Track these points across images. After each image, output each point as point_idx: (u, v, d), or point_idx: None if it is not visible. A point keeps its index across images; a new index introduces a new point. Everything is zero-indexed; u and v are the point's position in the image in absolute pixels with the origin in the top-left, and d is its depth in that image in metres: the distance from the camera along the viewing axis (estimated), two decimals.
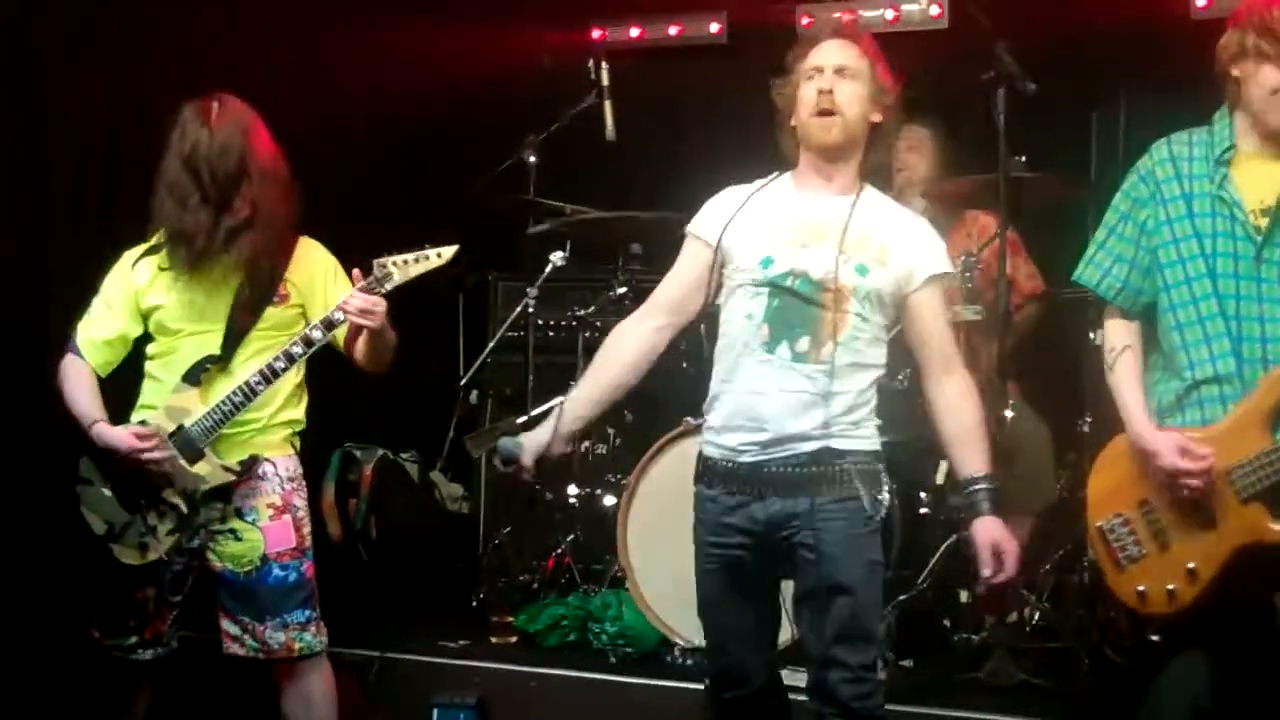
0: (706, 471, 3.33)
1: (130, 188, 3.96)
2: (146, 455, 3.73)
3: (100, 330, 3.87)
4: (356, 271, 3.77)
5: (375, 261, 3.74)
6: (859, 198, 3.29)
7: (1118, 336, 3.30)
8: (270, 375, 3.75)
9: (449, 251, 3.79)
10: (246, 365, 3.80)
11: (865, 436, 3.26)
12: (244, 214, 3.73)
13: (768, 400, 3.20)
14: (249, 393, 3.75)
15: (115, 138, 5.09)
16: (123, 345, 3.90)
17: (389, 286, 3.74)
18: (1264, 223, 3.08)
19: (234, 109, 3.78)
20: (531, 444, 3.36)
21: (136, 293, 3.85)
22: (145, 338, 3.90)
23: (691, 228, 3.43)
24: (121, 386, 3.92)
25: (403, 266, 3.75)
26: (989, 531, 3.20)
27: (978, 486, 3.22)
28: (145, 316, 3.87)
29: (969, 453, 3.26)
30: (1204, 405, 3.13)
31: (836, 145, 3.26)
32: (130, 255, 3.90)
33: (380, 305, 3.71)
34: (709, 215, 3.41)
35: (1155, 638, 3.27)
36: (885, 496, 3.25)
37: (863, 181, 3.34)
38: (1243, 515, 3.03)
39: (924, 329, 3.30)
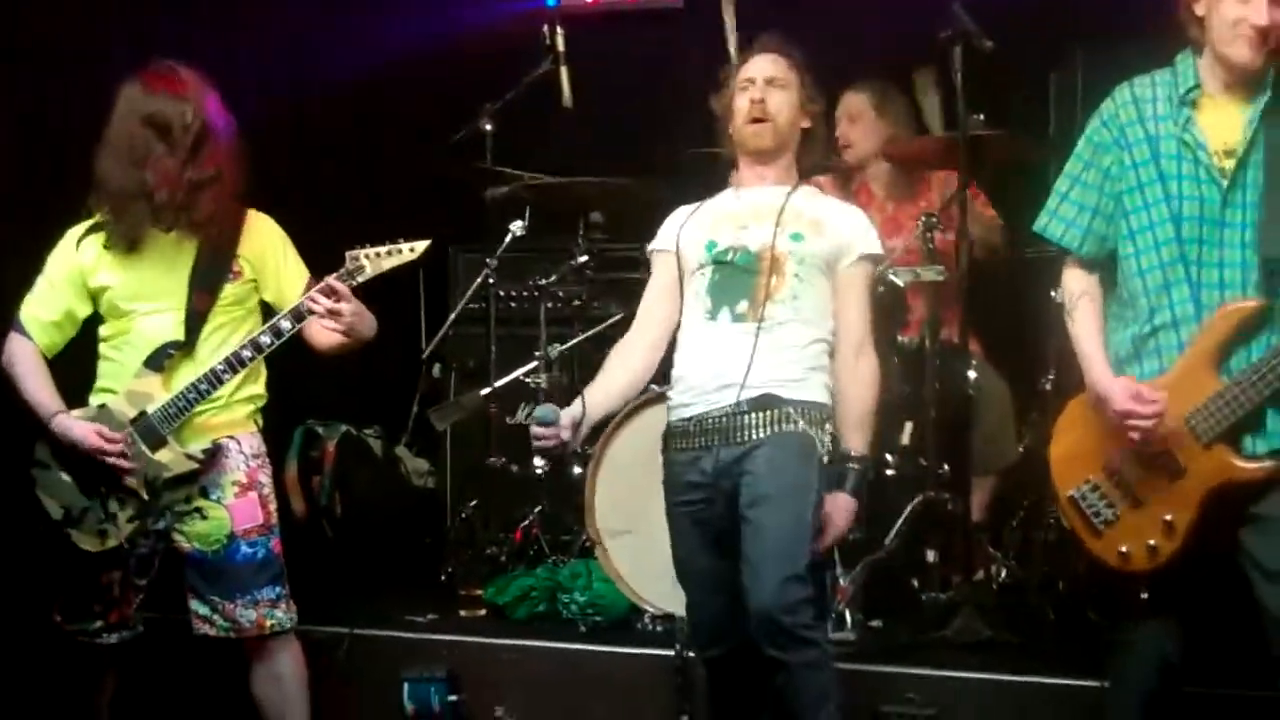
0: (665, 438, 3.55)
1: (79, 166, 3.93)
2: (107, 458, 3.70)
3: (45, 310, 3.83)
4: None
5: (347, 253, 3.73)
6: (796, 188, 3.56)
7: (1077, 284, 3.30)
8: (237, 364, 3.72)
9: (421, 246, 3.79)
10: (210, 345, 3.77)
11: (810, 388, 3.43)
12: (209, 170, 3.71)
13: (710, 357, 3.44)
14: (214, 381, 3.72)
15: (66, 116, 5.03)
16: (70, 325, 3.86)
17: (360, 279, 3.72)
18: (1228, 164, 3.07)
19: (188, 75, 3.77)
20: (568, 414, 3.46)
21: (82, 271, 3.80)
22: (96, 318, 3.85)
23: (652, 246, 3.73)
24: (77, 364, 3.87)
25: (375, 259, 3.73)
26: (834, 505, 3.40)
27: (851, 465, 3.43)
28: (94, 296, 3.82)
29: (856, 434, 3.46)
30: (1161, 353, 3.14)
31: (769, 149, 3.56)
32: (74, 233, 3.85)
33: (348, 306, 3.67)
34: (665, 230, 3.70)
35: (1145, 595, 3.24)
36: (827, 437, 3.42)
37: (800, 180, 3.60)
38: (1209, 458, 3.05)
39: (846, 306, 3.52)
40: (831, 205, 3.63)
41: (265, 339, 3.72)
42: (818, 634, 3.27)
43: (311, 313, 3.68)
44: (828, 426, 3.42)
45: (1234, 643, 3.34)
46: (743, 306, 3.42)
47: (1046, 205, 3.34)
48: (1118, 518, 3.17)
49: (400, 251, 3.76)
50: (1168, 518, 3.09)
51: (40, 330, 3.82)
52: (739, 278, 3.44)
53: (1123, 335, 3.21)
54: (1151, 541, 3.11)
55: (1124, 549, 3.16)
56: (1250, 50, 3.04)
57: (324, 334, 3.81)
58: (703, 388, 3.43)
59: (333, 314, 3.66)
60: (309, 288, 3.83)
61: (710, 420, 3.41)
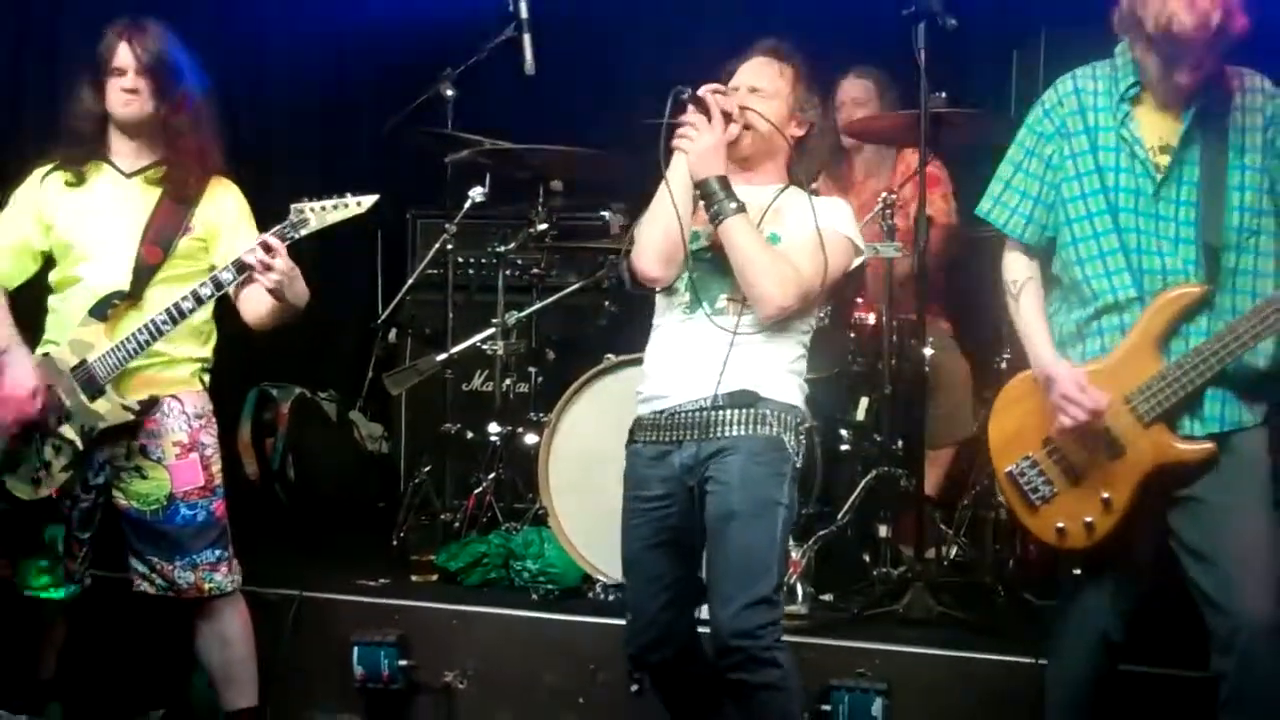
0: (633, 430, 3.45)
1: (35, 109, 3.91)
2: (25, 407, 3.67)
3: (8, 239, 3.81)
4: None
5: (292, 205, 3.67)
6: (784, 191, 3.45)
7: (1019, 269, 3.33)
8: (177, 315, 3.68)
9: (368, 200, 3.71)
10: (155, 298, 3.74)
11: (786, 390, 3.38)
12: (185, 119, 3.74)
13: (686, 349, 3.36)
14: (154, 331, 3.68)
15: (19, 64, 5.02)
16: (30, 259, 3.83)
17: (304, 232, 3.66)
18: (1163, 160, 3.12)
19: (161, 41, 3.76)
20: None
21: (42, 205, 3.79)
22: (49, 266, 3.83)
23: None
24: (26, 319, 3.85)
25: (319, 213, 3.66)
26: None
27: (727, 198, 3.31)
28: (48, 232, 3.80)
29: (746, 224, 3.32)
30: (1104, 334, 3.18)
31: (746, 157, 3.45)
32: (40, 171, 3.84)
33: (281, 263, 3.61)
34: None
35: (1077, 571, 3.30)
36: (800, 443, 3.35)
37: (790, 183, 3.49)
38: (1148, 438, 3.09)
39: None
40: (818, 203, 3.43)
41: (206, 290, 3.68)
42: (781, 654, 3.20)
43: (250, 267, 3.61)
44: (801, 430, 3.38)
45: (1172, 622, 3.38)
46: (722, 301, 3.36)
47: (989, 190, 3.37)
48: (1055, 494, 3.21)
49: (346, 206, 3.68)
50: (1105, 495, 3.13)
51: (2, 257, 3.80)
52: (718, 275, 3.37)
53: (1066, 318, 3.26)
54: (1088, 519, 3.15)
55: (1061, 525, 3.19)
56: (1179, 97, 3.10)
57: (257, 303, 3.76)
58: (677, 380, 3.35)
59: (265, 268, 3.59)
60: None
61: (683, 415, 3.33)
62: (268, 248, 3.60)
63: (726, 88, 3.46)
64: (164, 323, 3.67)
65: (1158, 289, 3.10)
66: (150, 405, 3.75)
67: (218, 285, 3.68)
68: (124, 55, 3.72)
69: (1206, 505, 3.06)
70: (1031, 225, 3.30)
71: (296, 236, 3.65)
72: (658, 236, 3.35)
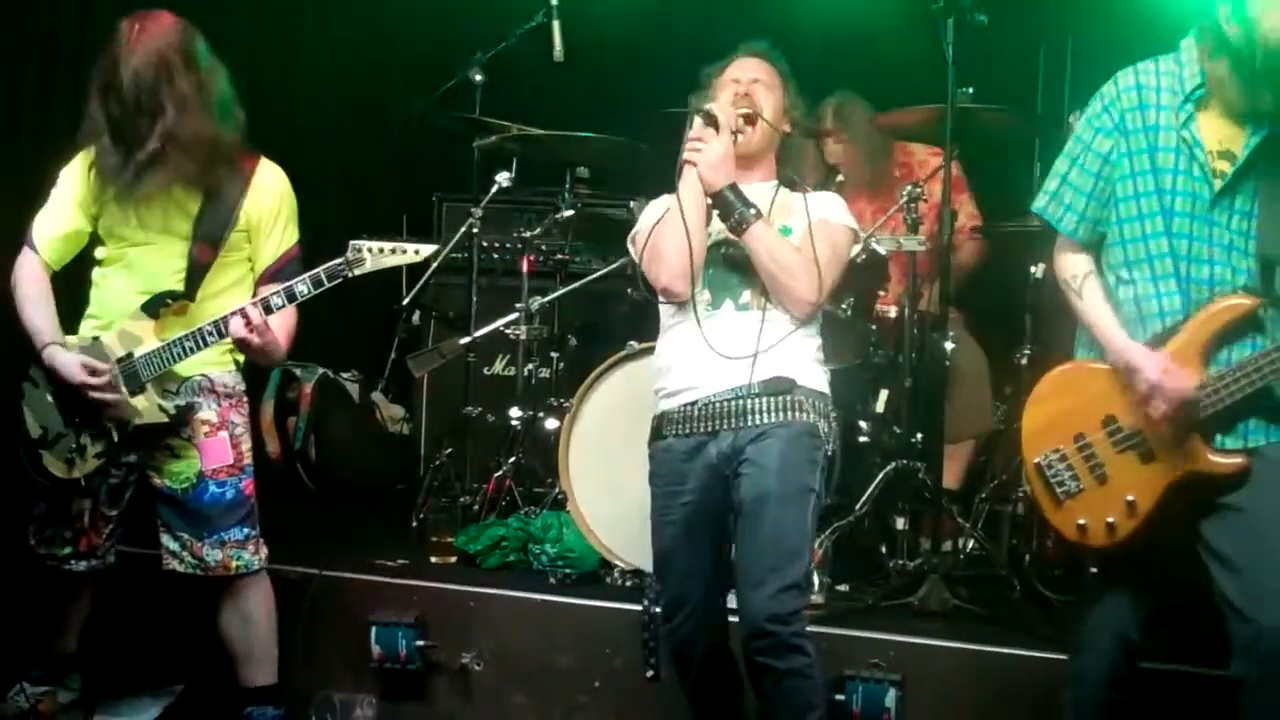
0: (660, 426, 3.46)
1: (66, 94, 3.90)
2: (92, 391, 3.70)
3: (58, 225, 3.83)
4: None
5: (350, 243, 3.66)
6: (779, 188, 3.51)
7: (1078, 264, 3.26)
8: (224, 330, 3.71)
9: (426, 250, 3.73)
10: (207, 295, 3.79)
11: (816, 378, 3.43)
12: (153, 148, 3.66)
13: (713, 341, 3.34)
14: (200, 341, 3.71)
15: (53, 47, 5.05)
16: (77, 241, 3.85)
17: (358, 272, 3.66)
18: (1222, 166, 3.05)
19: (154, 31, 3.68)
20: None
21: (89, 193, 3.79)
22: (94, 240, 3.86)
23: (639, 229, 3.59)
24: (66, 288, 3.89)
25: (376, 255, 3.66)
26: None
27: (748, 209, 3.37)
28: (95, 219, 3.81)
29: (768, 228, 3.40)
30: (1145, 335, 3.13)
31: (752, 154, 3.51)
32: (87, 156, 3.82)
33: (258, 340, 3.67)
34: (649, 215, 3.57)
35: (1094, 570, 3.29)
36: (831, 428, 3.40)
37: (779, 181, 3.55)
38: (1182, 446, 3.05)
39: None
40: (812, 197, 3.53)
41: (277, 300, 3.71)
42: (808, 642, 3.24)
43: (230, 329, 3.67)
44: (832, 417, 3.42)
45: (1193, 622, 3.39)
46: (746, 296, 3.40)
47: (1045, 185, 3.30)
48: (1081, 490, 3.18)
49: (405, 252, 3.69)
50: (1130, 498, 3.11)
51: (50, 247, 3.82)
52: (736, 270, 3.40)
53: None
54: (1111, 519, 3.13)
55: (1082, 522, 3.17)
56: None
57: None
58: (707, 372, 3.36)
59: (244, 344, 3.70)
60: (289, 256, 3.86)
61: (717, 404, 3.35)
62: (249, 321, 3.65)
63: (724, 82, 3.55)
64: (210, 334, 3.71)
65: (1204, 299, 3.06)
66: (187, 411, 3.78)
67: (291, 297, 3.71)
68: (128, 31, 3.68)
69: (1242, 514, 3.01)
70: (1084, 222, 3.22)
71: (350, 274, 3.67)
72: (678, 254, 3.34)
